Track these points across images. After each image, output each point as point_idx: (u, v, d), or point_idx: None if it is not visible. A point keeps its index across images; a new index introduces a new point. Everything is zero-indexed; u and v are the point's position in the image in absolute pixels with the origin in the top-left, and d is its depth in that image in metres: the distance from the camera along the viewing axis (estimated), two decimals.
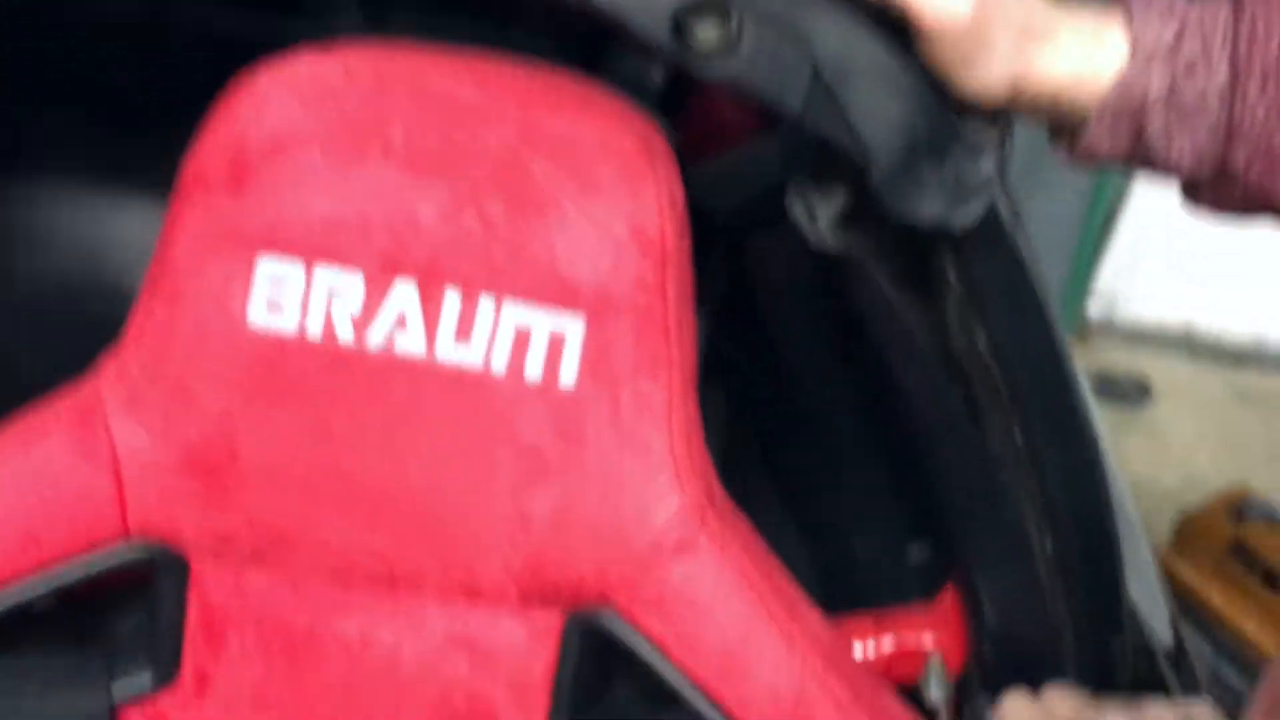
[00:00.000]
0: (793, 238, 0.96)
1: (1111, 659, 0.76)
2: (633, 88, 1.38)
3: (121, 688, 0.70)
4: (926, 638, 0.83)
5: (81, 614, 0.73)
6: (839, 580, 0.99)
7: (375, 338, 0.63)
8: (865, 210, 0.70)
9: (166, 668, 0.70)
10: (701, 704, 0.67)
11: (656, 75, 1.52)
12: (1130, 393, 2.72)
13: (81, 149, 1.16)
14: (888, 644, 0.83)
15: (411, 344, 0.63)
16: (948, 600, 0.85)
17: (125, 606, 0.73)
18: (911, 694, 0.81)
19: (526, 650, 0.69)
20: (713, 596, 0.66)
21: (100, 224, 1.18)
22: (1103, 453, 0.74)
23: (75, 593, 0.74)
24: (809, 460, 1.11)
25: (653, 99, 1.36)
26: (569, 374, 0.64)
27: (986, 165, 0.64)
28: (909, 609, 0.86)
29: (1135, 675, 0.78)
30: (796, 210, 0.70)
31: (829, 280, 0.90)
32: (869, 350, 0.87)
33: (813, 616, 0.69)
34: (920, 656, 0.82)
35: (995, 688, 0.82)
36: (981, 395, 0.76)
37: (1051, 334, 0.72)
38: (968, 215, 0.64)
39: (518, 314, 0.63)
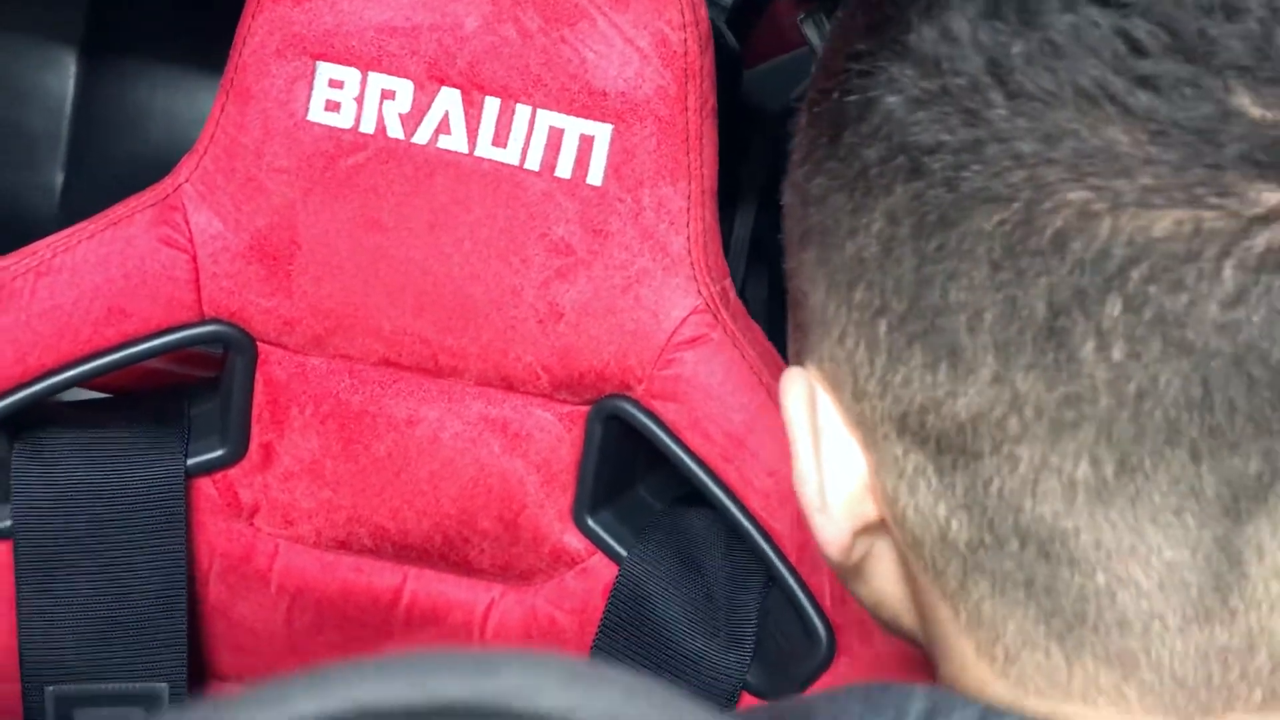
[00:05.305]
0: None
1: None
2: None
3: (195, 459, 0.78)
4: None
5: (161, 398, 0.81)
6: None
7: (422, 135, 0.70)
8: None
9: (236, 442, 0.78)
10: (707, 482, 0.73)
11: None
12: None
13: (173, 31, 1.24)
14: None
15: (454, 143, 0.70)
16: None
17: (200, 396, 0.81)
18: None
19: (554, 437, 0.76)
20: (722, 386, 0.72)
21: (192, 103, 1.27)
22: None
23: (155, 383, 0.83)
24: None
25: (724, 12, 1.42)
26: (597, 173, 0.70)
27: None
28: None
29: None
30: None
31: None
32: None
33: None
34: None
35: None
36: None
37: None
38: None
39: (551, 118, 0.69)
